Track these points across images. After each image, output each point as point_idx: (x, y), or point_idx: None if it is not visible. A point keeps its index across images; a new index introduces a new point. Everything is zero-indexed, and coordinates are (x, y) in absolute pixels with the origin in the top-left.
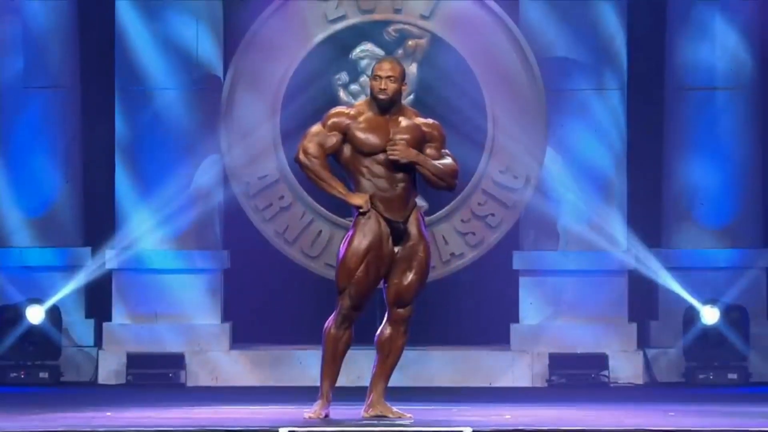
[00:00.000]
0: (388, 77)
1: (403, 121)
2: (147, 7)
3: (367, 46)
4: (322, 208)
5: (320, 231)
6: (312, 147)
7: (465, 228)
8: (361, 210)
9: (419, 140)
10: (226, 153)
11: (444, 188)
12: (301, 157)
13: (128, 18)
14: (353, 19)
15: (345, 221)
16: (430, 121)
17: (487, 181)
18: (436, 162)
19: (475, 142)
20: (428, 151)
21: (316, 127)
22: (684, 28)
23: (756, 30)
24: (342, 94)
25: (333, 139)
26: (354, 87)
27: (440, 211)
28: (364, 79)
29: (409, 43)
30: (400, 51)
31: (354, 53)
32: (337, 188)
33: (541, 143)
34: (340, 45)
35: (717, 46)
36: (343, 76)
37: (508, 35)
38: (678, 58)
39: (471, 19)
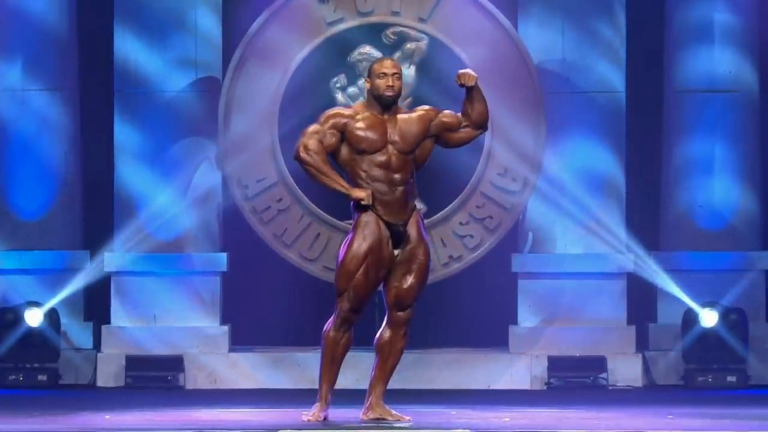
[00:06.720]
0: (394, 74)
1: (401, 118)
2: (145, 9)
3: (365, 49)
4: (321, 211)
5: (318, 234)
6: (312, 143)
7: (463, 231)
8: (362, 203)
9: (425, 127)
10: (225, 156)
11: (484, 120)
12: (302, 153)
13: (126, 20)
14: (351, 22)
15: (343, 224)
16: (423, 107)
17: (485, 183)
18: None
19: (473, 145)
20: (444, 120)
21: (314, 126)
22: (683, 31)
23: (755, 32)
24: (340, 96)
25: (332, 138)
26: (352, 90)
27: (438, 214)
28: (362, 81)
29: (408, 45)
30: (398, 54)
31: (352, 56)
32: (339, 182)
33: (539, 146)
34: (338, 48)
35: (716, 49)
36: (341, 79)
37: (506, 38)
38: (677, 61)
39: (469, 22)
